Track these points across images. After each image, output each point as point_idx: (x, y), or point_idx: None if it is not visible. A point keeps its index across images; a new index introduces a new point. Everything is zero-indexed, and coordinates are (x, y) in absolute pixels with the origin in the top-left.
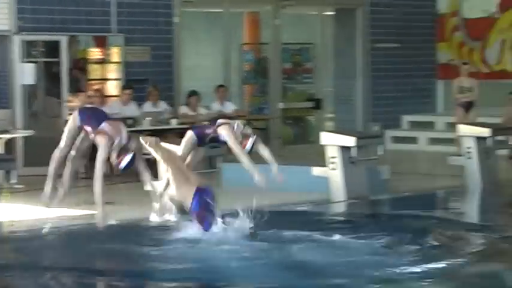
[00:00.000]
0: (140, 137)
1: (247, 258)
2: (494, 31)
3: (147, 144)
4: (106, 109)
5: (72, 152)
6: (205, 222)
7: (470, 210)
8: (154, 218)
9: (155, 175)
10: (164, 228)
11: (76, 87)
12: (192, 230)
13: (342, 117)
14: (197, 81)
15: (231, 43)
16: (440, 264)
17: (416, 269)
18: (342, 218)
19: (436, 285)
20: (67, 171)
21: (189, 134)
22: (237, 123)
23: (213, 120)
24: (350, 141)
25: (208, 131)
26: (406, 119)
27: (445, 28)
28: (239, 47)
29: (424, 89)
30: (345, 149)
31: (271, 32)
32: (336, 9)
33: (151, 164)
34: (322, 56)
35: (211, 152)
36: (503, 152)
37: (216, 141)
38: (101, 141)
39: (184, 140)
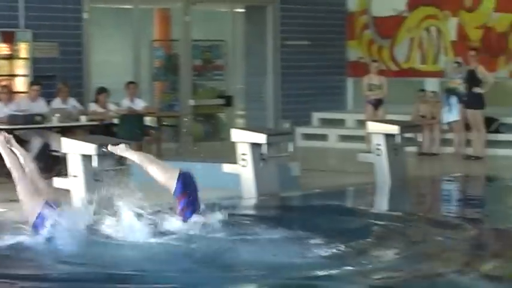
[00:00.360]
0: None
1: (159, 255)
2: (403, 29)
3: None
4: (14, 105)
5: None
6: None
7: (380, 205)
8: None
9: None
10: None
11: None
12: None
13: (252, 115)
14: (107, 77)
15: (141, 39)
16: (355, 262)
17: (329, 268)
18: (252, 215)
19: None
20: None
21: (175, 181)
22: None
23: (192, 207)
24: (260, 138)
25: (178, 211)
26: (317, 116)
27: (354, 26)
28: (149, 44)
29: (334, 86)
30: (255, 146)
31: (182, 29)
32: (247, 6)
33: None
34: (232, 53)
35: None
36: (411, 149)
37: None
38: None
39: (168, 173)
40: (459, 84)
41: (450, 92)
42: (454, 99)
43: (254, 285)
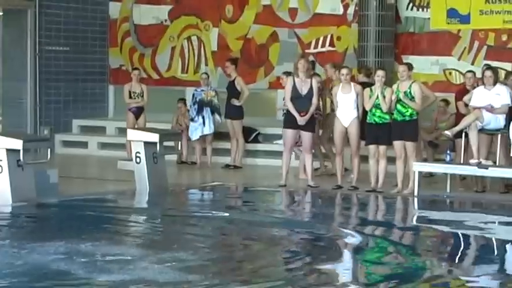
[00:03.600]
0: None
1: None
2: (165, 38)
3: None
4: None
5: None
6: None
7: (140, 207)
8: None
9: None
10: None
11: None
12: None
13: (10, 121)
14: None
15: None
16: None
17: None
18: (8, 222)
19: None
20: None
21: None
22: None
23: None
24: (17, 144)
25: None
26: (77, 123)
27: (116, 33)
28: None
29: (95, 93)
30: (11, 152)
31: None
32: (4, 9)
33: None
34: None
35: None
36: (172, 157)
37: None
38: None
39: None
40: (213, 96)
41: (205, 104)
42: (208, 112)
43: None
